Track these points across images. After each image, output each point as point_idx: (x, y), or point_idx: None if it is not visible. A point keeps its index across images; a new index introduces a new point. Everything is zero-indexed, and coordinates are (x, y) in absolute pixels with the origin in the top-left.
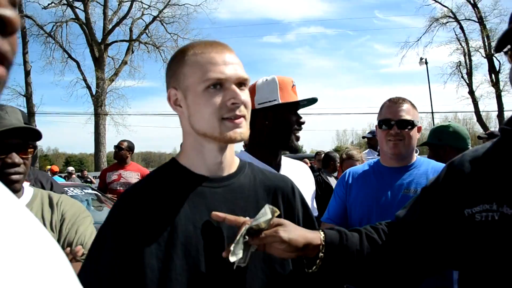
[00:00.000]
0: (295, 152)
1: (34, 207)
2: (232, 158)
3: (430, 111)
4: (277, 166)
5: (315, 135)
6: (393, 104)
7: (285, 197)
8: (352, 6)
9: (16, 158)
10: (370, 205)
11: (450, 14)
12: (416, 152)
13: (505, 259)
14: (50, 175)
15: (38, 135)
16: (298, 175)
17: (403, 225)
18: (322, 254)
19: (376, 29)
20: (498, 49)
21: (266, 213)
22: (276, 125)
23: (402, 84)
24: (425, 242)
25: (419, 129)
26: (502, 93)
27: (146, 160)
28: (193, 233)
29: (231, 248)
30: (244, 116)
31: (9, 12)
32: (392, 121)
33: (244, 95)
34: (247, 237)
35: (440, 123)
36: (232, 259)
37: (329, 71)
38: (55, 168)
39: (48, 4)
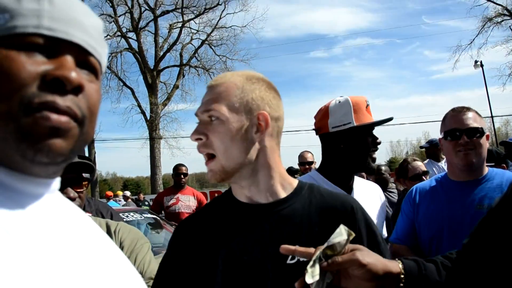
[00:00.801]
0: (372, 173)
1: None
2: (276, 182)
3: (490, 115)
4: (350, 188)
5: None
6: (458, 113)
7: (341, 220)
8: (398, 14)
9: (71, 192)
10: (440, 224)
11: (505, 12)
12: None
13: None
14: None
15: (91, 169)
16: (370, 197)
17: (469, 255)
18: (402, 285)
19: (425, 35)
20: None
21: (342, 233)
22: (352, 148)
23: (456, 90)
24: (493, 273)
25: (488, 137)
26: None
27: (200, 181)
28: (232, 263)
29: (308, 269)
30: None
31: (73, 74)
32: (460, 130)
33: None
34: (323, 258)
35: (500, 127)
36: (308, 280)
37: (378, 82)
38: (109, 193)
39: (104, 37)
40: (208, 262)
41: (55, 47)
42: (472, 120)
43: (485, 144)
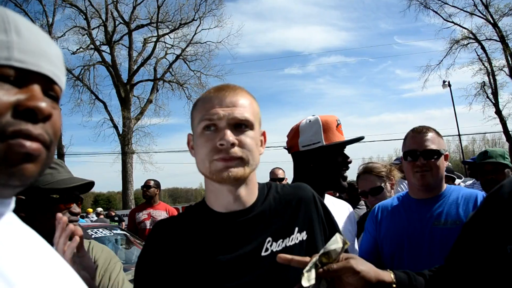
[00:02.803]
0: (343, 191)
1: None
2: (251, 191)
3: (457, 133)
4: None
5: None
6: (417, 134)
7: (308, 206)
8: (371, 33)
9: (77, 208)
10: (401, 240)
11: (471, 35)
12: (461, 178)
13: None
14: None
15: (90, 187)
16: (340, 215)
17: (450, 268)
18: None
19: (397, 54)
20: None
21: (337, 241)
22: (322, 167)
23: (426, 108)
24: (473, 283)
25: (446, 157)
26: None
27: (173, 196)
28: (206, 269)
29: (304, 273)
30: (239, 158)
31: (44, 105)
32: (418, 151)
33: (241, 136)
34: (319, 264)
35: (468, 145)
36: (305, 283)
37: (351, 99)
38: None
39: (77, 50)
40: (184, 263)
41: (24, 77)
42: (430, 142)
43: (442, 164)
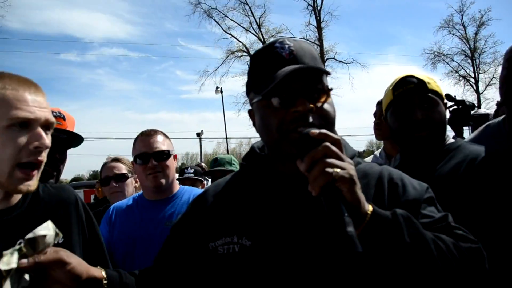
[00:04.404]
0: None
1: None
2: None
3: (225, 136)
4: None
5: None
6: (146, 137)
7: (66, 207)
8: (157, 31)
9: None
10: (133, 240)
11: (244, 49)
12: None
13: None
14: None
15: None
16: None
17: (157, 267)
18: None
19: (179, 56)
20: None
21: (49, 228)
22: None
23: (202, 110)
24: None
25: (175, 157)
26: None
27: None
28: None
29: (4, 254)
30: (41, 163)
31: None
32: (148, 154)
33: (49, 139)
34: (25, 250)
35: (236, 147)
36: (2, 266)
37: (130, 94)
38: None
39: None
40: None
41: None
42: (160, 144)
43: (173, 165)
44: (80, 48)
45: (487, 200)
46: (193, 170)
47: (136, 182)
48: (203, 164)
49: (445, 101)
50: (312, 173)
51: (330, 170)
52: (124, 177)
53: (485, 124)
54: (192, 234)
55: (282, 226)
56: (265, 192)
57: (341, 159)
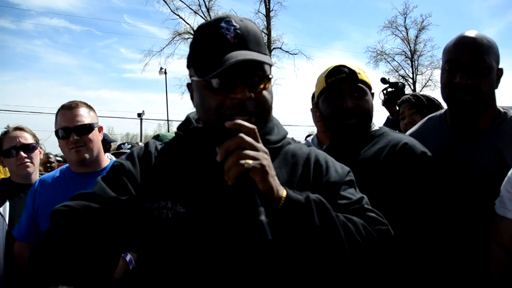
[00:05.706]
0: None
1: None
2: None
3: (166, 118)
4: None
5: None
6: (67, 110)
7: None
8: (102, 5)
9: None
10: None
11: (192, 31)
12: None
13: (177, 255)
14: None
15: None
16: None
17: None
18: None
19: (124, 33)
20: None
21: None
22: None
23: (144, 91)
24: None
25: (101, 129)
26: None
27: None
28: None
29: None
30: None
31: None
32: (69, 128)
33: None
34: None
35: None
36: None
37: (70, 69)
38: None
39: None
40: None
41: None
42: (82, 117)
43: (97, 137)
44: (15, 15)
45: (402, 187)
46: (130, 145)
47: (41, 153)
48: (141, 143)
49: (373, 91)
50: (226, 164)
51: (242, 161)
52: (33, 147)
53: (427, 117)
54: (130, 182)
55: (216, 198)
56: (200, 163)
57: (255, 149)
